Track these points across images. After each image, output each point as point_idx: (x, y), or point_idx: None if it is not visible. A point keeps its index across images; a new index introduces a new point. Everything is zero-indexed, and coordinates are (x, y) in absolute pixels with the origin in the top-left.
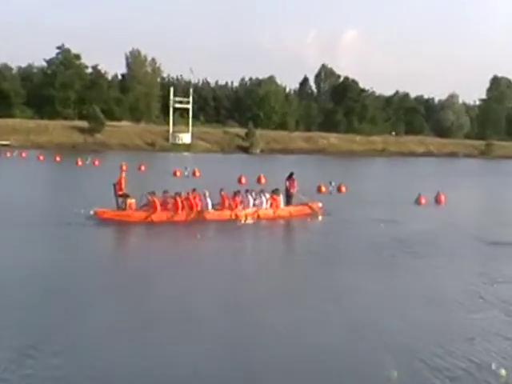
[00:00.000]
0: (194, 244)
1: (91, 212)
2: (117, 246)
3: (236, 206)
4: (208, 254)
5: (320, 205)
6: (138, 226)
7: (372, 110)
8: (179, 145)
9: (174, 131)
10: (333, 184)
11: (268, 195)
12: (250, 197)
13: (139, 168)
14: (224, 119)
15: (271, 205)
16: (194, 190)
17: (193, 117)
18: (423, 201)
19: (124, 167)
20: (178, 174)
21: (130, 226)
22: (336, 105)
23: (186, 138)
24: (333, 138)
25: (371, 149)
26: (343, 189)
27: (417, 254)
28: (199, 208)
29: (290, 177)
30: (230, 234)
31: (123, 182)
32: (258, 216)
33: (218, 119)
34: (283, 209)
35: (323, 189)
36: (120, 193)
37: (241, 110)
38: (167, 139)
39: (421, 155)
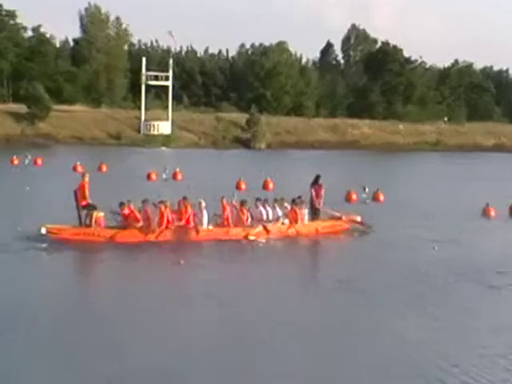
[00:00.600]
0: (180, 275)
1: (42, 230)
2: (75, 279)
3: (243, 221)
4: (197, 291)
5: (359, 219)
6: (107, 248)
7: (421, 87)
8: (155, 137)
9: (147, 119)
10: (367, 190)
11: (287, 206)
12: (262, 208)
13: (99, 169)
14: (216, 102)
15: (291, 219)
16: (184, 199)
17: (173, 98)
18: (493, 213)
19: (82, 170)
20: (153, 176)
21: (97, 248)
22: (371, 80)
23: (164, 127)
24: (366, 127)
25: (420, 141)
26: (381, 196)
27: (484, 287)
28: (192, 223)
29: (316, 182)
30: (233, 259)
31: (87, 188)
32: (273, 234)
33: (208, 102)
34: (308, 224)
35: (354, 196)
36: (83, 203)
37: (240, 89)
38: (138, 130)
39: (489, 149)
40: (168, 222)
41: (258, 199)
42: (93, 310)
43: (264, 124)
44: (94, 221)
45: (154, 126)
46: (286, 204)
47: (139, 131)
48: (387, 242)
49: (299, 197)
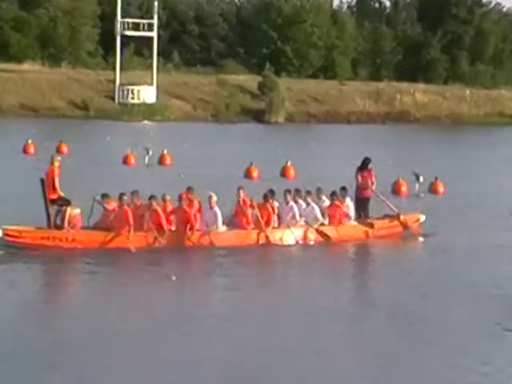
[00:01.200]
0: (181, 297)
1: None
2: (37, 299)
3: (268, 221)
4: (201, 315)
5: (422, 218)
6: (83, 257)
7: (495, 39)
8: (134, 107)
9: (124, 83)
10: (421, 179)
11: (326, 200)
12: (293, 203)
13: (58, 150)
14: (218, 59)
15: (332, 218)
16: (188, 190)
17: (159, 55)
18: None
19: (57, 158)
20: (131, 160)
21: (70, 257)
22: (427, 31)
23: (146, 94)
24: (421, 93)
25: (493, 112)
26: (440, 187)
27: None
28: (198, 224)
29: (365, 166)
30: (253, 273)
31: (57, 176)
32: (308, 238)
33: (206, 59)
34: (353, 226)
35: (403, 187)
36: (53, 197)
37: (249, 43)
38: (111, 97)
39: None
40: (168, 221)
41: (287, 191)
42: (58, 341)
43: (282, 90)
44: (67, 220)
45: (133, 92)
46: (323, 197)
47: (113, 99)
48: (454, 248)
49: (343, 188)
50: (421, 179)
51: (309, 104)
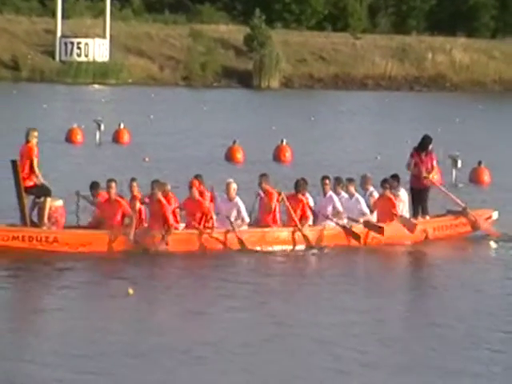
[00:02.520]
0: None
1: None
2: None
3: (304, 217)
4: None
5: (495, 214)
6: (67, 263)
7: None
8: (81, 66)
9: (67, 34)
10: (459, 164)
11: (374, 191)
12: (332, 193)
13: None
14: (192, 3)
15: (381, 213)
16: (198, 177)
17: None
18: None
19: (33, 133)
20: (77, 137)
21: (51, 264)
22: None
23: (97, 48)
24: (461, 51)
25: None
26: (485, 176)
27: None
28: (213, 222)
29: (424, 148)
30: (280, 286)
31: (35, 156)
32: (352, 237)
33: (176, 2)
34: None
35: (435, 175)
36: (30, 184)
37: None
38: (50, 53)
39: None
40: (175, 219)
41: (326, 178)
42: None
43: (277, 45)
44: (46, 215)
45: (79, 46)
46: (371, 188)
47: (53, 56)
48: None
49: (394, 176)
50: (459, 164)
51: (312, 64)
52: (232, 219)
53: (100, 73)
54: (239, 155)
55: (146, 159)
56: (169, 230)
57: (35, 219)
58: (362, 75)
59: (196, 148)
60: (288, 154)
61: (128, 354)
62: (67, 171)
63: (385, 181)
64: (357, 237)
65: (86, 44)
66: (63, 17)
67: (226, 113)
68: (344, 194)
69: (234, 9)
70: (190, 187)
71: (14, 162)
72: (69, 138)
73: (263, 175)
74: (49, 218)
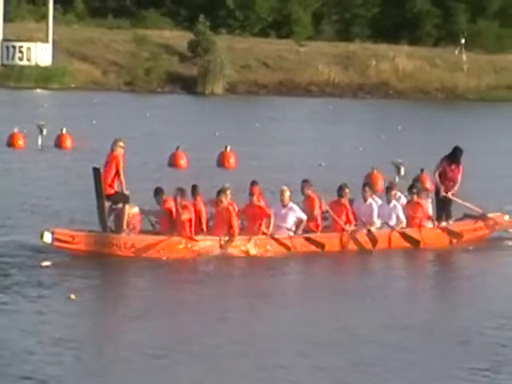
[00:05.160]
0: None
1: (46, 236)
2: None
3: (349, 222)
4: None
5: (507, 218)
6: (146, 268)
7: None
8: (23, 70)
9: (8, 37)
10: (402, 171)
11: (402, 196)
12: (371, 200)
13: None
14: (136, 9)
15: (411, 218)
16: (254, 185)
17: (58, 1)
18: None
19: (120, 143)
20: (19, 142)
21: (130, 267)
22: None
23: (40, 53)
24: (404, 58)
25: (500, 84)
26: (427, 182)
27: None
28: (271, 227)
29: (455, 158)
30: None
31: (121, 163)
32: (392, 242)
33: (120, 7)
34: (434, 230)
35: (379, 182)
36: (111, 192)
37: None
38: None
39: None
40: (234, 226)
41: (367, 185)
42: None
43: (222, 51)
44: (125, 221)
45: (21, 50)
46: (398, 194)
47: None
48: None
49: (416, 182)
50: (402, 172)
51: (256, 70)
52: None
53: (43, 77)
54: (182, 161)
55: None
56: (232, 237)
57: (112, 225)
58: (306, 82)
59: (139, 153)
60: (232, 160)
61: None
62: (8, 176)
63: (413, 186)
64: (414, 241)
65: (29, 48)
66: (5, 20)
67: (170, 118)
68: (378, 200)
69: (178, 14)
70: (251, 194)
71: (96, 170)
72: (10, 143)
73: (305, 181)
74: (127, 225)
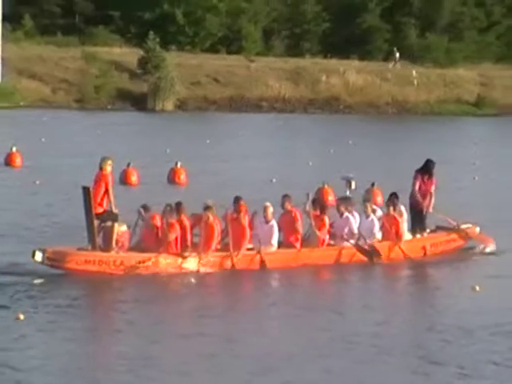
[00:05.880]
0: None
1: (37, 255)
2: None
3: (323, 237)
4: None
5: (478, 230)
6: (128, 286)
7: (451, 2)
8: None
9: None
10: (353, 185)
11: (378, 209)
12: (348, 214)
13: None
14: (85, 26)
15: (387, 232)
16: (238, 201)
17: (6, 18)
18: None
19: (108, 161)
20: None
21: (122, 286)
22: None
23: None
24: (353, 73)
25: (450, 98)
26: (378, 196)
27: None
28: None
29: (427, 171)
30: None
31: (110, 183)
32: (366, 256)
33: (69, 25)
34: (411, 241)
35: (330, 196)
36: (100, 210)
37: (127, 5)
38: None
39: None
40: (237, 242)
41: (342, 199)
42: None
43: (171, 68)
44: (114, 240)
45: None
46: (374, 207)
47: None
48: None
49: (393, 194)
50: (353, 186)
51: (207, 87)
52: (267, 240)
53: None
54: (133, 177)
55: (37, 182)
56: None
57: (102, 243)
58: (256, 98)
59: (89, 171)
60: (183, 176)
61: None
62: None
63: (390, 198)
64: (390, 254)
65: None
66: None
67: (120, 135)
68: (356, 214)
69: (127, 31)
70: (238, 212)
71: (86, 189)
72: None
73: (286, 196)
74: (116, 243)
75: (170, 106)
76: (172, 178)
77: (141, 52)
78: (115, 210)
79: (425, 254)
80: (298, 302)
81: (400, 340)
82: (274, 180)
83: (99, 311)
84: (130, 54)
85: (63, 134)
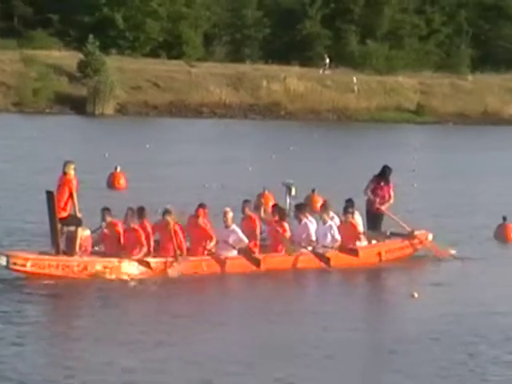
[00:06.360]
0: None
1: (2, 259)
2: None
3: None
4: None
5: (430, 237)
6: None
7: (391, 9)
8: None
9: None
10: (293, 191)
11: (335, 216)
12: (306, 220)
13: None
14: (23, 28)
15: (345, 238)
16: (202, 207)
17: None
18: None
19: (71, 165)
20: None
21: (83, 292)
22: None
23: None
24: (294, 80)
25: (390, 105)
26: (318, 202)
27: None
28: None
29: (383, 177)
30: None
31: (74, 187)
32: (328, 262)
33: (6, 27)
34: (367, 247)
35: (270, 201)
36: (64, 215)
37: (66, 8)
38: None
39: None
40: (181, 245)
41: (299, 206)
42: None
43: (111, 72)
44: (78, 244)
45: None
46: (331, 214)
47: None
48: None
49: (349, 201)
50: (293, 192)
51: (147, 91)
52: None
53: None
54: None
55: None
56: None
57: (65, 247)
58: (197, 103)
59: (26, 175)
60: (122, 181)
61: None
62: None
63: (347, 207)
64: (348, 260)
65: None
66: None
67: (59, 140)
68: (313, 220)
69: (67, 35)
70: (197, 216)
71: (50, 193)
72: None
73: (246, 201)
74: (79, 247)
75: (109, 110)
76: (111, 182)
77: (80, 55)
78: (79, 215)
79: (380, 260)
80: (242, 308)
81: (335, 346)
82: (215, 185)
83: (55, 316)
84: (69, 58)
85: (2, 138)
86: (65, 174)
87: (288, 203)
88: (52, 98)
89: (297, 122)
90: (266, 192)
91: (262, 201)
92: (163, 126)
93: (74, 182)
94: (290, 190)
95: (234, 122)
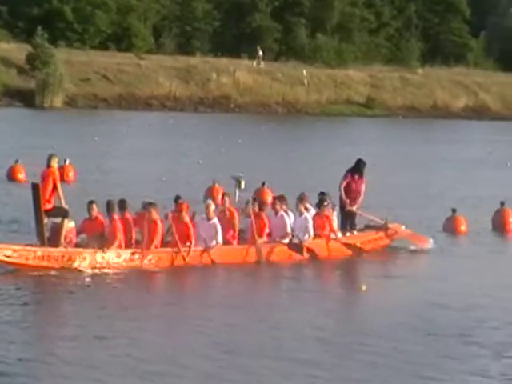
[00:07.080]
0: None
1: None
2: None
3: (261, 233)
4: None
5: (403, 228)
6: (77, 283)
7: (341, 2)
8: None
9: None
10: (243, 184)
11: (311, 208)
12: (283, 213)
13: None
14: None
15: (319, 230)
16: (178, 200)
17: None
18: (462, 227)
19: (55, 158)
20: None
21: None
22: None
23: None
24: (244, 73)
25: (340, 99)
26: (267, 195)
27: None
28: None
29: (357, 171)
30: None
31: (58, 180)
32: (299, 254)
33: None
34: (341, 239)
35: (219, 194)
36: (49, 207)
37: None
38: None
39: (459, 113)
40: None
41: (278, 198)
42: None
43: (60, 64)
44: (63, 236)
45: None
46: (308, 206)
47: None
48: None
49: (322, 193)
50: (242, 185)
51: (96, 84)
52: (211, 238)
53: None
54: (21, 175)
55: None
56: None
57: (50, 239)
58: (146, 96)
59: None
60: (71, 174)
61: None
62: None
63: (321, 201)
64: (321, 253)
65: None
66: None
67: (7, 132)
68: (290, 213)
69: (15, 27)
70: (180, 210)
71: (35, 185)
72: None
73: (225, 194)
74: (64, 239)
75: (58, 102)
76: (60, 175)
77: (29, 48)
78: (65, 206)
79: (354, 252)
80: (204, 300)
81: (277, 342)
82: (164, 178)
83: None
84: (17, 50)
85: None
86: (49, 166)
87: (237, 196)
88: (0, 90)
89: (246, 115)
90: (216, 185)
91: (213, 194)
92: (112, 119)
93: (58, 174)
94: (239, 183)
95: (184, 115)
